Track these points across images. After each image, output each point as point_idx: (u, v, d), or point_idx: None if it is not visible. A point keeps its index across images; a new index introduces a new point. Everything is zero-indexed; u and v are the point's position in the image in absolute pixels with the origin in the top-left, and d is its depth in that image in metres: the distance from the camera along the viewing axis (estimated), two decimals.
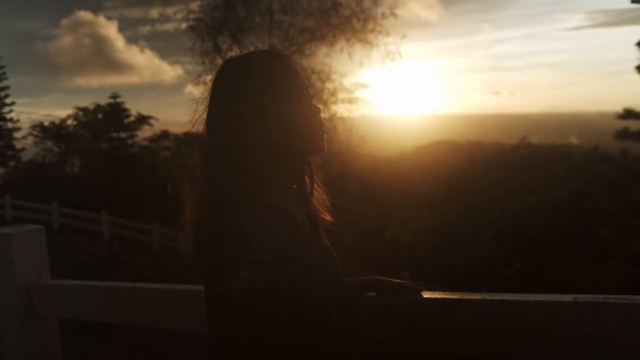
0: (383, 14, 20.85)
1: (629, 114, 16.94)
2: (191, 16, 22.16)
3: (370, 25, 20.76)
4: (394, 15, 20.83)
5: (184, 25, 21.18)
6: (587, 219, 19.45)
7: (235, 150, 1.33)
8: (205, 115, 1.40)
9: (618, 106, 17.49)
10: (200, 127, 1.41)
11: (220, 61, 20.98)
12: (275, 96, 1.36)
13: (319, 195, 1.52)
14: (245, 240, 1.18)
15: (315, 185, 1.50)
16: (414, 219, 25.64)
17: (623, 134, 17.04)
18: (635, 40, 16.66)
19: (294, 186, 1.48)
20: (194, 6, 21.62)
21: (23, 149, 30.51)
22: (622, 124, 17.12)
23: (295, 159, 1.44)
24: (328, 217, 1.51)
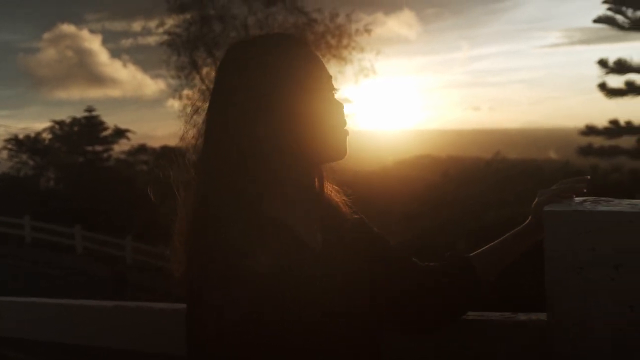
0: (357, 31, 21.08)
1: (591, 130, 17.26)
2: (167, 30, 22.21)
3: (345, 42, 20.98)
4: (367, 32, 21.10)
5: (165, 39, 21.15)
6: None
7: (237, 153, 1.15)
8: (203, 118, 1.22)
9: (593, 121, 17.78)
10: (193, 135, 1.23)
11: (196, 76, 21.32)
12: (294, 88, 1.16)
13: (338, 199, 1.33)
14: (238, 259, 1.05)
15: (329, 189, 1.32)
16: (390, 233, 25.74)
17: (586, 150, 17.34)
18: (608, 57, 17.03)
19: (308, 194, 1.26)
20: (171, 21, 21.61)
21: None
22: (586, 140, 17.44)
23: (310, 165, 1.23)
24: (353, 218, 1.32)
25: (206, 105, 1.23)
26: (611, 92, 16.83)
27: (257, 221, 1.12)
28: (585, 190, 1.38)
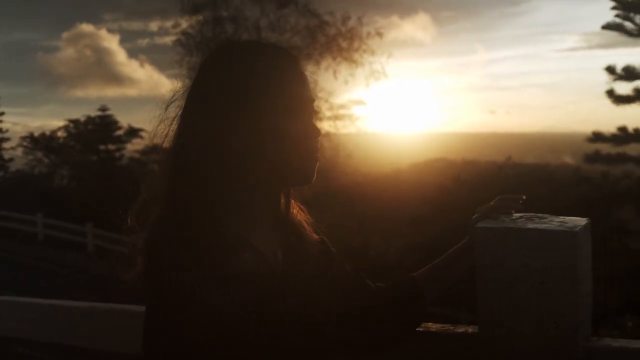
0: (368, 34, 21.11)
1: (597, 137, 17.14)
2: (181, 31, 22.37)
3: (356, 44, 21.00)
4: (379, 35, 21.11)
5: (177, 39, 21.34)
6: None
7: (202, 165, 1.11)
8: (177, 116, 1.18)
9: (610, 127, 17.63)
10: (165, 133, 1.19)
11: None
12: (272, 106, 1.12)
13: (301, 217, 1.31)
14: (195, 274, 1.03)
15: (293, 207, 1.30)
16: (400, 236, 25.70)
17: (593, 158, 17.23)
18: (616, 64, 16.92)
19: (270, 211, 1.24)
20: (184, 21, 21.79)
21: (11, 159, 30.54)
22: (593, 147, 17.31)
23: (275, 186, 1.21)
24: (314, 237, 1.30)
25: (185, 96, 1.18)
26: (619, 99, 16.72)
27: (218, 236, 1.09)
28: (520, 207, 1.40)
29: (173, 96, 1.21)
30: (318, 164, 1.19)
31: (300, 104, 1.16)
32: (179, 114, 1.18)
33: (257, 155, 1.13)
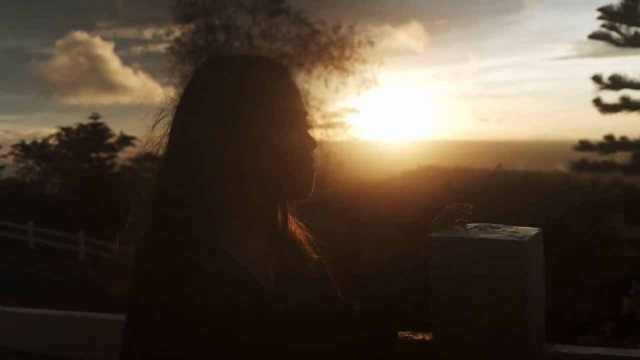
0: (360, 42, 21.24)
1: (584, 145, 17.31)
2: (174, 39, 22.44)
3: (347, 53, 21.12)
4: (370, 43, 21.25)
5: (170, 47, 21.47)
6: (559, 247, 19.65)
7: (194, 178, 1.09)
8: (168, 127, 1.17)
9: (601, 135, 17.75)
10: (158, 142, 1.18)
11: None
12: (267, 117, 1.11)
13: (300, 234, 1.29)
14: (181, 292, 1.00)
15: (291, 223, 1.28)
16: (394, 242, 25.75)
17: (580, 166, 17.38)
18: (622, 70, 17.16)
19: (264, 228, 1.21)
20: (176, 30, 21.88)
21: (2, 168, 30.45)
22: (581, 155, 17.48)
23: (271, 200, 1.19)
24: (313, 257, 1.28)
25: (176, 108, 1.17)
26: (605, 108, 16.89)
27: (207, 253, 1.07)
28: (469, 215, 1.44)
29: (165, 105, 1.20)
30: (315, 175, 1.17)
31: (293, 115, 1.15)
32: (172, 123, 1.17)
33: (251, 165, 1.11)
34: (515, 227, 1.40)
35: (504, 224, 1.43)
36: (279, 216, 1.25)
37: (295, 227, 1.29)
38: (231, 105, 1.11)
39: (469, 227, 1.41)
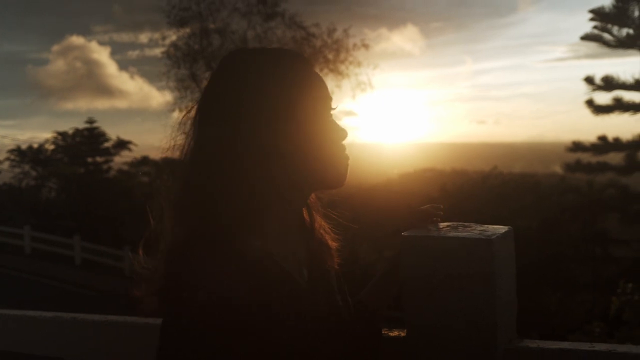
0: (354, 45, 21.31)
1: (577, 146, 17.39)
2: (169, 43, 22.49)
3: (342, 56, 21.19)
4: (365, 46, 21.31)
5: (165, 51, 21.53)
6: (555, 248, 19.71)
7: (226, 175, 1.06)
8: (192, 123, 1.14)
9: (596, 136, 17.83)
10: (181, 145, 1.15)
11: (196, 89, 21.58)
12: (297, 108, 1.09)
13: (325, 233, 1.29)
14: (218, 296, 0.97)
15: (318, 221, 1.28)
16: (389, 245, 25.81)
17: (574, 167, 17.45)
18: (616, 72, 17.30)
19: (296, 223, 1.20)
20: (171, 34, 21.94)
21: None
22: (576, 156, 17.56)
23: (305, 191, 1.18)
24: (335, 260, 1.29)
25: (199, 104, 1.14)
26: (598, 109, 16.97)
27: (237, 251, 1.04)
28: (441, 215, 1.48)
29: (189, 107, 1.17)
30: (348, 163, 1.17)
31: (324, 106, 1.15)
32: (198, 121, 1.14)
33: (286, 157, 1.09)
34: (486, 226, 1.44)
35: (479, 223, 1.47)
36: (306, 216, 1.25)
37: (326, 232, 1.30)
38: (264, 98, 1.08)
39: (441, 226, 1.45)
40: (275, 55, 1.13)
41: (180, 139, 1.16)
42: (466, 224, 1.47)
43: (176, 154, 1.16)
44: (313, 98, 1.12)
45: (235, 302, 0.98)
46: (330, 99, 1.16)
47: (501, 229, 1.40)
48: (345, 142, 1.17)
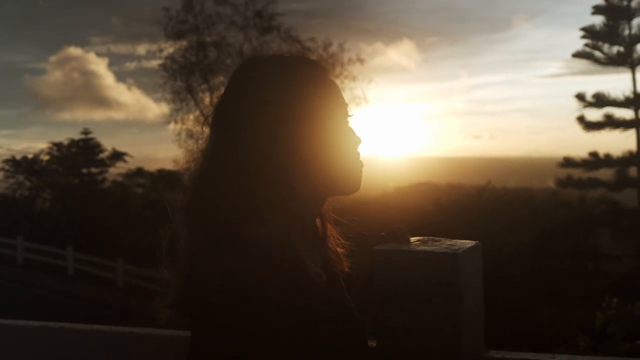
0: (350, 60, 21.47)
1: (568, 162, 17.53)
2: (165, 55, 22.62)
3: (337, 70, 21.33)
4: (360, 61, 21.48)
5: (161, 63, 21.65)
6: (548, 263, 19.76)
7: (246, 180, 1.08)
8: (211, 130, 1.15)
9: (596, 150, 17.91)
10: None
11: (191, 101, 21.69)
12: (316, 115, 1.12)
13: (335, 240, 1.32)
14: (249, 297, 0.98)
15: (329, 229, 1.31)
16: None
17: (565, 182, 17.57)
18: (609, 88, 17.45)
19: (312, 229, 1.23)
20: (168, 46, 22.07)
21: None
22: (562, 172, 17.72)
23: (321, 197, 1.21)
24: (345, 266, 1.33)
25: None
26: (589, 126, 17.13)
27: (267, 256, 1.04)
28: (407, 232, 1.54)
29: (207, 115, 1.19)
30: (362, 169, 1.20)
31: (341, 112, 1.17)
32: (216, 128, 1.15)
33: (303, 164, 1.11)
34: (455, 240, 1.50)
35: (449, 238, 1.54)
36: (319, 224, 1.28)
37: (336, 240, 1.34)
38: (282, 106, 1.10)
39: (412, 241, 1.51)
40: (293, 63, 1.15)
41: (195, 147, 1.18)
42: (436, 238, 1.54)
43: (191, 162, 1.18)
44: (330, 105, 1.15)
45: (267, 301, 0.99)
46: (347, 105, 1.19)
47: (468, 243, 1.47)
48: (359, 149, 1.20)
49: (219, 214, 1.08)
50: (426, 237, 1.54)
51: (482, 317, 1.51)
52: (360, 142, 1.19)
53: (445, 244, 1.47)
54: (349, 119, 1.19)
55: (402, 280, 1.41)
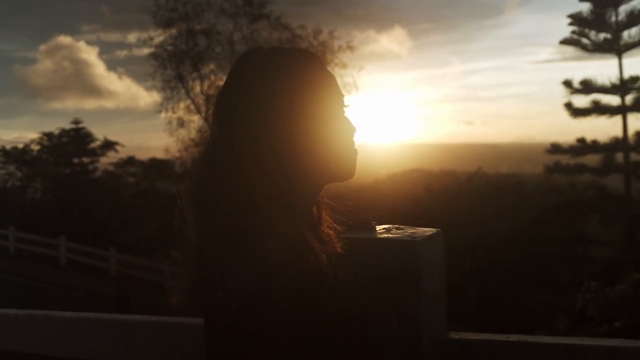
0: (340, 47, 21.44)
1: (556, 148, 17.63)
2: (155, 43, 22.51)
3: (328, 58, 21.29)
4: (350, 48, 21.45)
5: (151, 51, 21.56)
6: (538, 248, 19.93)
7: (245, 168, 1.11)
8: (209, 121, 1.20)
9: (585, 136, 17.98)
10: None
11: (182, 89, 21.61)
12: (313, 105, 1.15)
13: (329, 224, 1.36)
14: (260, 286, 1.00)
15: (324, 212, 1.34)
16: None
17: (552, 169, 17.67)
18: (600, 74, 17.52)
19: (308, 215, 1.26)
20: (158, 34, 21.97)
21: None
22: (553, 158, 17.82)
23: (318, 184, 1.25)
24: (338, 247, 1.35)
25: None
26: (576, 112, 17.21)
27: (281, 239, 1.06)
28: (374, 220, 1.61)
29: (209, 106, 1.22)
30: (357, 157, 1.24)
31: (337, 102, 1.21)
32: (216, 118, 1.18)
33: (301, 152, 1.15)
34: (417, 228, 1.57)
35: (413, 226, 1.61)
36: (315, 211, 1.30)
37: (326, 222, 1.36)
38: (280, 97, 1.14)
39: (378, 229, 1.58)
40: (290, 55, 1.18)
41: (196, 138, 1.21)
42: (401, 227, 1.61)
43: (193, 152, 1.19)
44: (327, 96, 1.18)
45: (273, 299, 1.01)
46: (343, 96, 1.22)
47: (429, 231, 1.54)
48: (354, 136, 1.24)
49: (220, 208, 1.11)
50: (391, 226, 1.61)
51: (444, 300, 1.58)
52: (355, 131, 1.24)
53: (408, 232, 1.54)
54: (345, 109, 1.23)
55: (366, 267, 1.48)
